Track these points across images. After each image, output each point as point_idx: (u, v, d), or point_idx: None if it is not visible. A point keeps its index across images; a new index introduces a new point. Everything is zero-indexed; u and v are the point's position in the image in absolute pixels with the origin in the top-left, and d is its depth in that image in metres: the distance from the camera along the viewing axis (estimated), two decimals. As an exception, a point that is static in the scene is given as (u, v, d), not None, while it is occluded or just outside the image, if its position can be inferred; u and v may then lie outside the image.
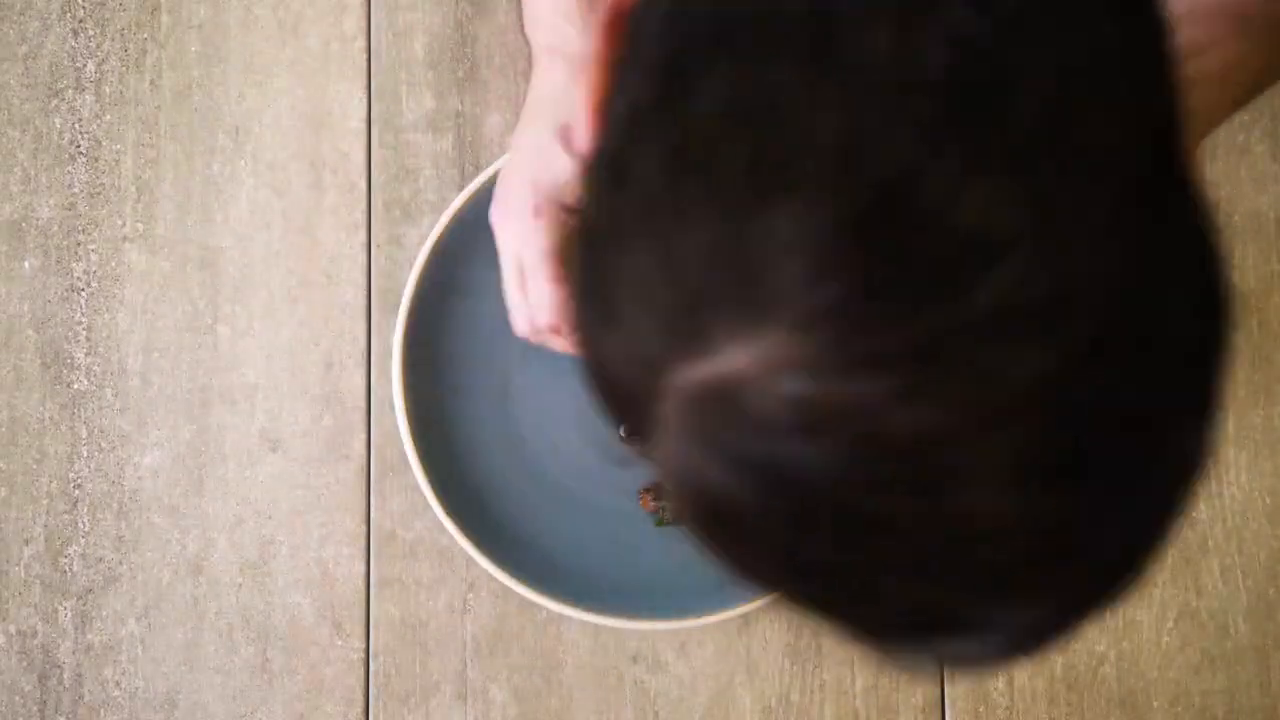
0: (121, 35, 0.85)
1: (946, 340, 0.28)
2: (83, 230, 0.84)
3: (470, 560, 0.82)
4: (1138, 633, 0.84)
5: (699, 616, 0.80)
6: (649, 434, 0.34)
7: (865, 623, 0.34)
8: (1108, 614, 0.29)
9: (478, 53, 0.85)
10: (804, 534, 0.31)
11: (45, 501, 0.83)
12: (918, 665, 0.35)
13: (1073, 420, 0.29)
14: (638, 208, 0.32)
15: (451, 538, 0.81)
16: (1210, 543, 0.84)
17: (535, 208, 0.64)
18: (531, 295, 0.67)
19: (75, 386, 0.84)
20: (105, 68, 0.85)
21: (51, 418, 0.84)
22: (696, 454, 0.32)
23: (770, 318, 0.29)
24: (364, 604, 0.83)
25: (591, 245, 0.34)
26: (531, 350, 0.83)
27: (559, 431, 0.83)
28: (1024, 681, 0.84)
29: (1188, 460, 0.31)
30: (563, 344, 0.70)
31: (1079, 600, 0.32)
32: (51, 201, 0.85)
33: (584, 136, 0.46)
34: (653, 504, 0.82)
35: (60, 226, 0.84)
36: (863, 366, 0.29)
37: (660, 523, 0.83)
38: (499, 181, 0.68)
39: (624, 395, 0.34)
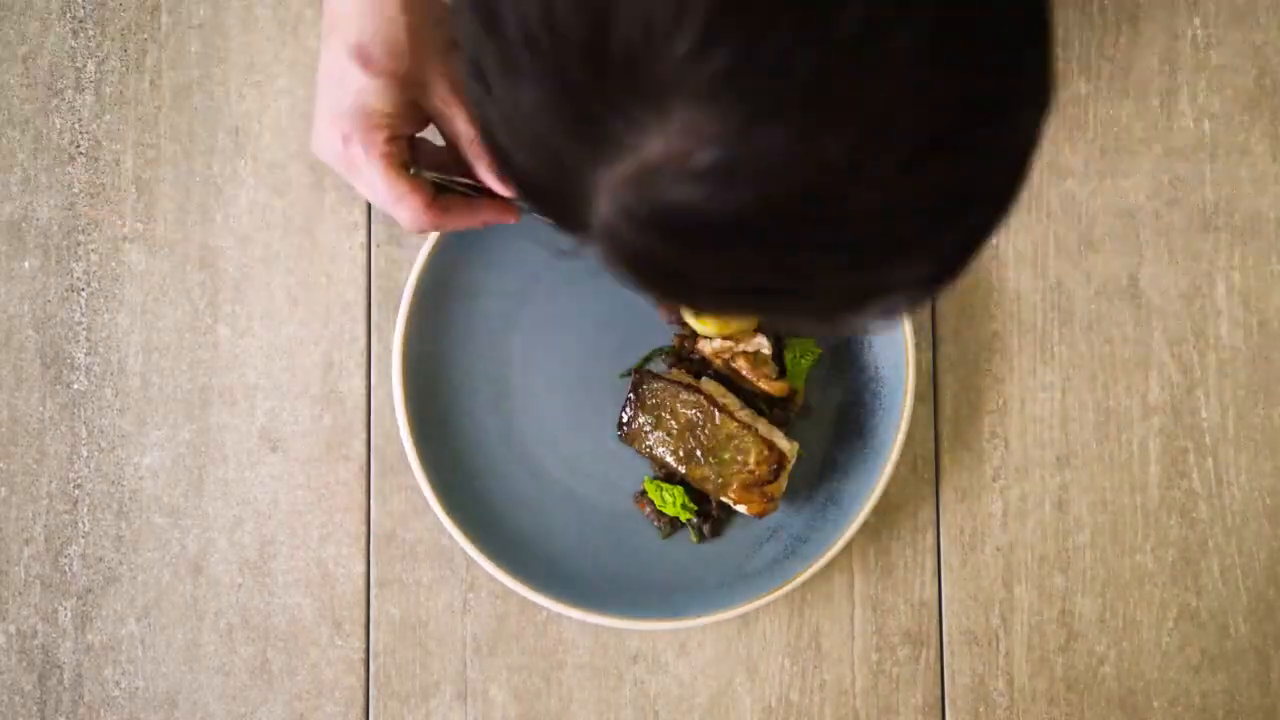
0: (121, 35, 0.85)
1: (827, 66, 0.33)
2: (83, 230, 0.84)
3: (470, 560, 0.82)
4: (1138, 633, 0.84)
5: (699, 616, 0.80)
6: (585, 228, 0.40)
7: (812, 313, 0.43)
8: (979, 254, 0.41)
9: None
10: (741, 271, 0.38)
11: (45, 501, 0.83)
12: (858, 327, 0.44)
13: (935, 107, 0.35)
14: (515, 41, 0.35)
15: (451, 538, 0.81)
16: (1210, 543, 0.84)
17: (344, 136, 0.63)
18: (397, 215, 0.65)
19: (75, 386, 0.84)
20: (105, 68, 0.85)
21: (51, 418, 0.84)
22: (635, 232, 0.38)
23: (671, 100, 0.34)
24: (364, 604, 0.83)
25: (486, 86, 0.38)
26: (531, 350, 0.83)
27: (559, 431, 0.83)
28: (1024, 681, 0.84)
29: (1027, 131, 0.38)
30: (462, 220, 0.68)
31: (957, 249, 0.40)
32: (51, 201, 0.85)
33: (381, 54, 0.54)
34: (649, 511, 0.82)
35: (60, 226, 0.84)
36: (764, 119, 0.34)
37: (665, 535, 0.83)
38: (314, 115, 0.65)
39: (556, 204, 0.41)
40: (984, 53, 0.35)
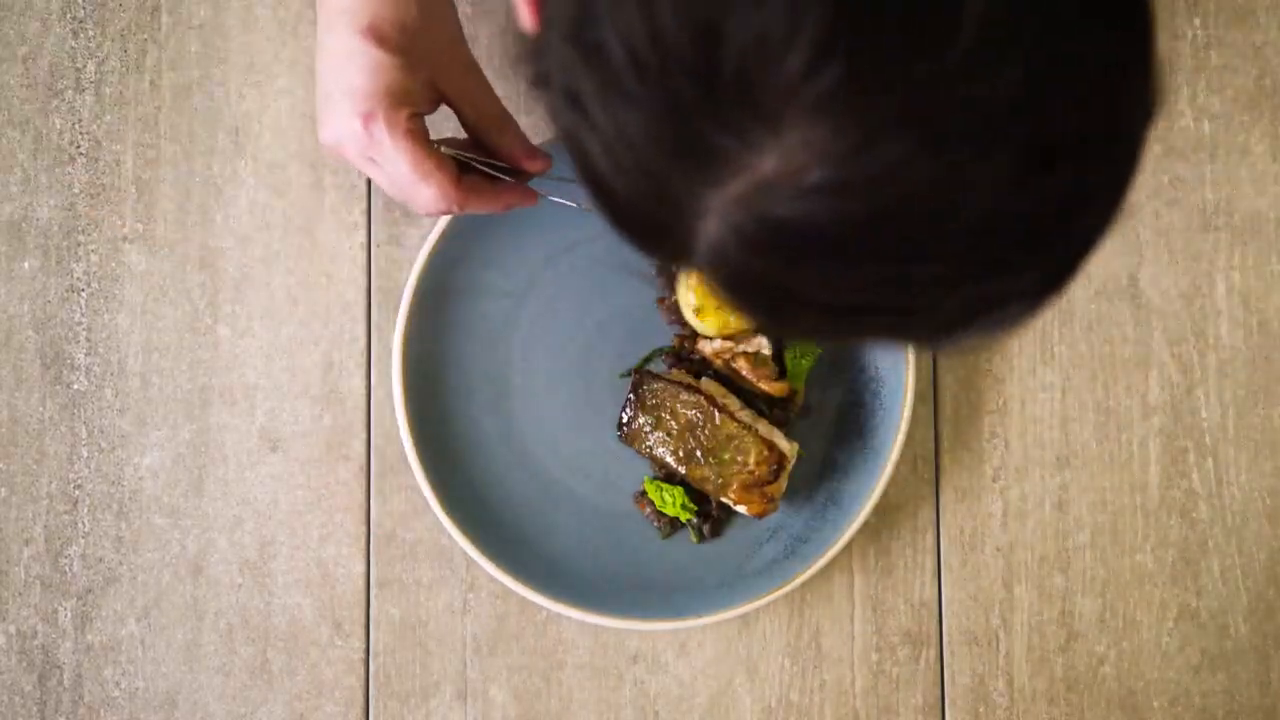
0: (121, 35, 0.85)
1: (940, 79, 0.33)
2: (83, 230, 0.84)
3: (470, 560, 0.82)
4: (1138, 633, 0.84)
5: (699, 616, 0.80)
6: (686, 254, 0.39)
7: (923, 329, 0.42)
8: (1087, 262, 0.40)
9: (478, 53, 0.85)
10: (853, 288, 0.38)
11: (45, 501, 0.83)
12: (966, 344, 0.43)
13: (1046, 117, 0.35)
14: (620, 67, 0.35)
15: (451, 538, 0.81)
16: (1210, 543, 0.84)
17: (365, 115, 0.61)
18: (421, 196, 0.64)
19: (75, 386, 0.84)
20: (105, 68, 0.85)
21: (51, 418, 0.84)
22: (745, 252, 0.37)
23: (784, 116, 0.34)
24: (364, 604, 0.83)
25: (585, 114, 0.37)
26: (531, 350, 0.83)
27: (559, 431, 0.83)
28: (1024, 681, 0.84)
29: (1134, 137, 0.38)
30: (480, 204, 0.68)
31: (1066, 258, 0.40)
32: (51, 201, 0.85)
33: (395, 32, 0.53)
34: (649, 512, 0.82)
35: (60, 226, 0.84)
36: (879, 133, 0.34)
37: (665, 535, 0.83)
38: (319, 104, 0.64)
39: (657, 231, 0.40)
40: (1092, 62, 0.35)
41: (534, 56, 0.39)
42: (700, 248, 0.39)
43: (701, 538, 0.83)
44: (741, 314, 0.42)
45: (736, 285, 0.40)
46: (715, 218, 0.37)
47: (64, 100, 0.85)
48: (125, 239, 0.84)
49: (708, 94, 0.34)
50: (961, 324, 0.40)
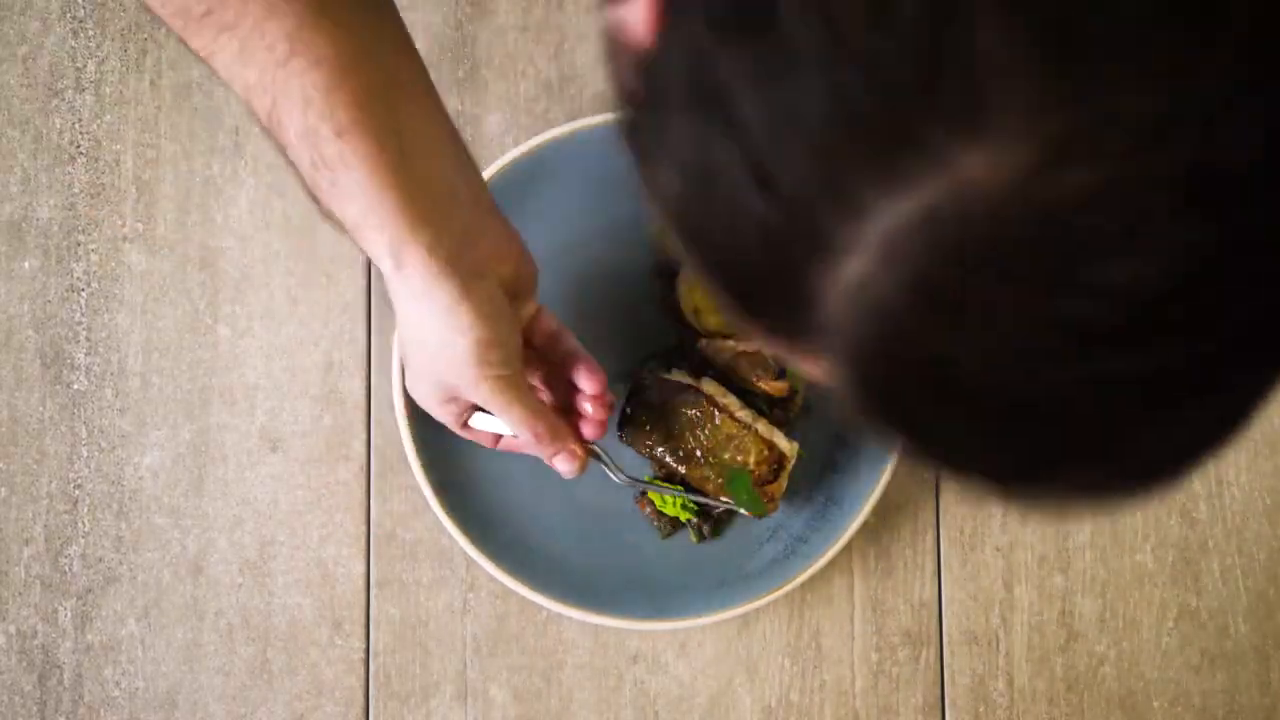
0: (121, 35, 0.85)
1: (1181, 110, 0.26)
2: (83, 230, 0.84)
3: (470, 560, 0.82)
4: (1138, 633, 0.84)
5: (699, 616, 0.80)
6: (809, 316, 0.30)
7: (1132, 464, 0.31)
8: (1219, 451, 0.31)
9: (478, 53, 0.85)
10: (1059, 371, 0.28)
11: (45, 501, 0.83)
12: (1052, 504, 0.34)
13: None
14: (806, 39, 0.28)
15: (451, 538, 0.81)
16: (1210, 543, 0.84)
17: (452, 422, 0.70)
18: (524, 435, 0.69)
19: (75, 386, 0.84)
20: (105, 68, 0.85)
21: (51, 418, 0.84)
22: (906, 292, 0.28)
23: (995, 113, 0.26)
24: (364, 604, 0.83)
25: (727, 107, 0.30)
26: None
27: (559, 431, 0.83)
28: (1024, 681, 0.84)
29: None
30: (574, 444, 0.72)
31: (1208, 434, 0.31)
32: (51, 201, 0.84)
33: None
34: (649, 511, 0.82)
35: (60, 226, 0.84)
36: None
37: (665, 535, 0.83)
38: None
39: (772, 283, 0.31)
40: None
41: (646, 72, 0.33)
42: (833, 295, 0.29)
43: (701, 538, 0.83)
44: (859, 415, 0.32)
45: (870, 358, 0.30)
46: (867, 251, 0.28)
47: (64, 100, 0.85)
48: (125, 239, 0.84)
49: (921, 81, 0.27)
50: (1185, 457, 0.31)
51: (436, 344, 0.62)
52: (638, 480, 0.77)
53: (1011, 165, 0.26)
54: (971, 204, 0.26)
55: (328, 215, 0.58)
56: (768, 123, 0.29)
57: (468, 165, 0.62)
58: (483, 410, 0.69)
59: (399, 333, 0.65)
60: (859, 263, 0.28)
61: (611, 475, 0.75)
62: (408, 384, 0.70)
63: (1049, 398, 0.29)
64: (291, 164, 0.56)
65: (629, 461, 0.82)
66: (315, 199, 0.57)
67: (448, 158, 0.60)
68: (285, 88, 0.53)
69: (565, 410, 0.73)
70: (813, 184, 0.28)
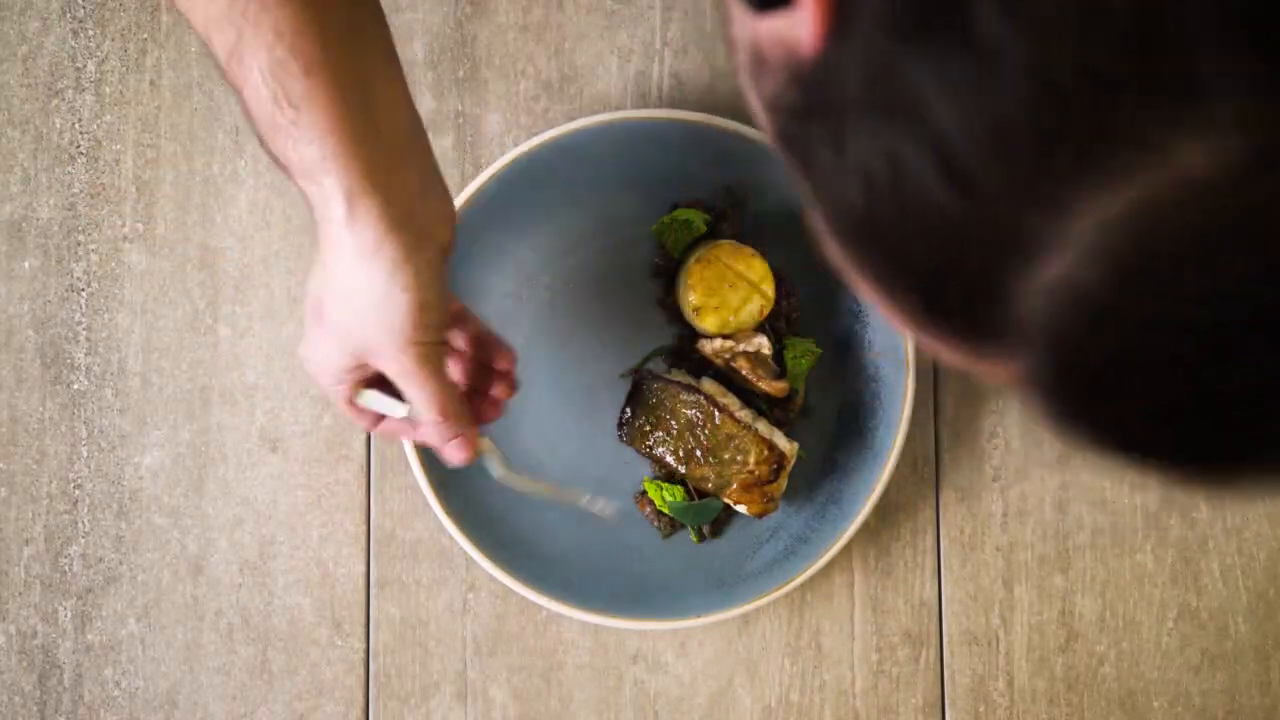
0: (121, 35, 0.85)
1: None
2: (83, 230, 0.84)
3: (470, 560, 0.82)
4: (1138, 633, 0.84)
5: (699, 616, 0.80)
6: (1002, 315, 0.30)
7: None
8: None
9: (478, 53, 0.85)
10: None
11: (45, 501, 0.83)
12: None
13: None
14: (999, 38, 0.27)
15: (451, 538, 0.81)
16: (1210, 543, 0.84)
17: (341, 395, 0.65)
18: (426, 422, 0.65)
19: (75, 386, 0.84)
20: (105, 68, 0.85)
21: (51, 418, 0.84)
22: (1115, 293, 0.27)
23: (1212, 104, 0.25)
24: (364, 604, 0.83)
25: (917, 110, 0.29)
26: (531, 350, 0.83)
27: (559, 431, 0.83)
28: (1024, 681, 0.84)
29: None
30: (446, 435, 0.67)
31: None
32: (51, 201, 0.85)
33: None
34: (649, 511, 0.82)
35: (60, 226, 0.84)
36: None
37: (665, 535, 0.83)
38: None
39: (964, 285, 0.30)
40: None
41: (815, 82, 0.32)
42: (1032, 291, 0.29)
43: (701, 538, 0.83)
44: (1052, 415, 0.31)
45: (1074, 352, 0.29)
46: (1073, 247, 0.28)
47: (64, 100, 0.85)
48: (125, 239, 0.84)
49: (1137, 60, 0.26)
50: None
51: (369, 302, 0.59)
52: (522, 479, 0.73)
53: (1229, 156, 0.25)
54: (1188, 196, 0.26)
55: (278, 157, 0.57)
56: (965, 126, 0.28)
57: (420, 124, 0.61)
58: (377, 389, 0.65)
59: (320, 287, 0.61)
60: (1062, 258, 0.28)
61: (492, 469, 0.71)
62: (308, 345, 0.64)
63: (1267, 385, 0.28)
64: (245, 104, 0.55)
65: (629, 461, 0.82)
66: (268, 140, 0.56)
67: (407, 111, 0.60)
68: (256, 20, 0.53)
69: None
70: (1015, 184, 0.28)
